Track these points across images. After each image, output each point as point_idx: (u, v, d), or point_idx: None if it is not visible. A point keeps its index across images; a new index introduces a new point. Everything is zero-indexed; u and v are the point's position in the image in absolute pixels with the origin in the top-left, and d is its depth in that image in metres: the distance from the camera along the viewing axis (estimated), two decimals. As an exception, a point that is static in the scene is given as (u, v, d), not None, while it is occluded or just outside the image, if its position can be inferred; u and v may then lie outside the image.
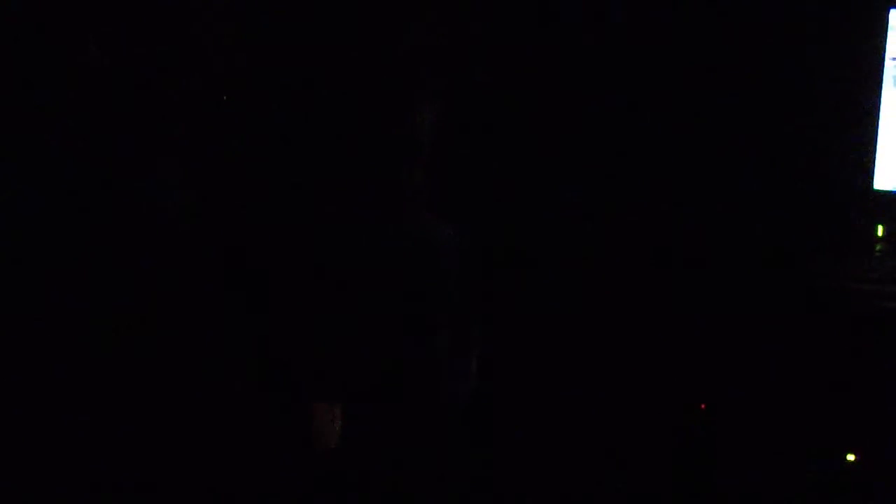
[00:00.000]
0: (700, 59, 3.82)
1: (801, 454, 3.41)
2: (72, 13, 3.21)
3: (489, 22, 3.68)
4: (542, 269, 3.61)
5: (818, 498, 3.39)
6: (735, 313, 3.48)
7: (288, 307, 2.92)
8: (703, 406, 3.51)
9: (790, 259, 3.66)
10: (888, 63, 3.66)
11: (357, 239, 2.83)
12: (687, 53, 3.82)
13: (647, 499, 3.51)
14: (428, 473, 2.92)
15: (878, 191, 3.71)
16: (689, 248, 3.70)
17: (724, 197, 3.81)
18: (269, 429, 2.94)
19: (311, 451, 2.91)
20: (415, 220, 2.86)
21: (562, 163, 3.79)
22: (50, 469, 3.08)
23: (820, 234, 3.77)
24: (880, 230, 3.74)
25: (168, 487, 3.07)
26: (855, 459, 3.41)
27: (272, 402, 2.94)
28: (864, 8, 3.68)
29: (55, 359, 3.13)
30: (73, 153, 3.16)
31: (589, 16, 3.81)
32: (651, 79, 3.83)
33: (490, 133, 3.64)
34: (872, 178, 3.70)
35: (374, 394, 2.83)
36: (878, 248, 3.73)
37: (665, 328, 3.53)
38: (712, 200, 3.80)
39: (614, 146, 3.88)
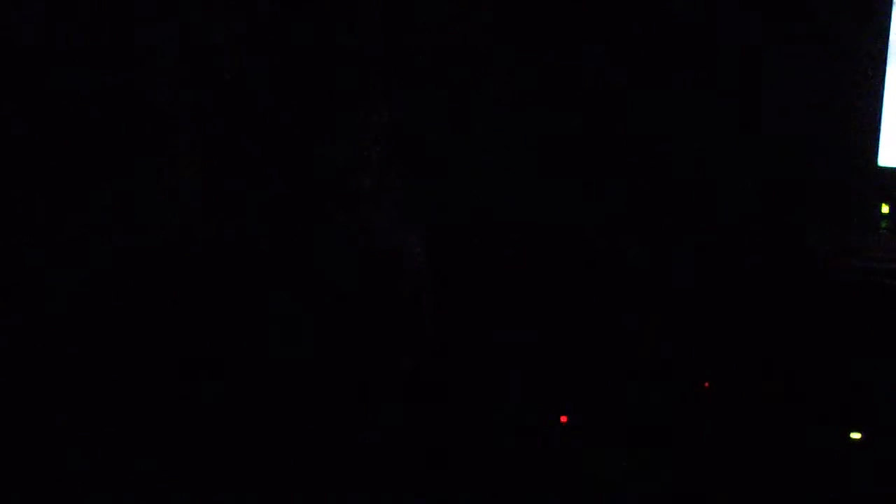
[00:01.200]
0: (704, 37, 3.79)
1: (804, 432, 3.41)
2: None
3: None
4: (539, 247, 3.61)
5: (823, 476, 3.39)
6: (739, 291, 3.48)
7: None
8: (706, 384, 3.52)
9: (795, 236, 3.66)
10: (893, 39, 3.64)
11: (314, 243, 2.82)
12: (692, 32, 3.79)
13: (651, 476, 3.52)
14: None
15: (882, 167, 3.70)
16: (694, 226, 3.70)
17: (728, 175, 3.79)
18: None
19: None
20: (370, 224, 2.84)
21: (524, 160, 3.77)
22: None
23: (824, 212, 3.76)
24: (885, 208, 3.73)
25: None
26: (860, 438, 3.41)
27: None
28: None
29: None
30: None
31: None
32: (651, 54, 3.81)
33: (451, 132, 3.61)
34: (877, 155, 3.69)
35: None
36: (883, 225, 3.72)
37: (670, 306, 3.53)
38: (716, 179, 3.78)
39: (609, 126, 3.87)
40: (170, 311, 3.01)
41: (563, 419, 3.39)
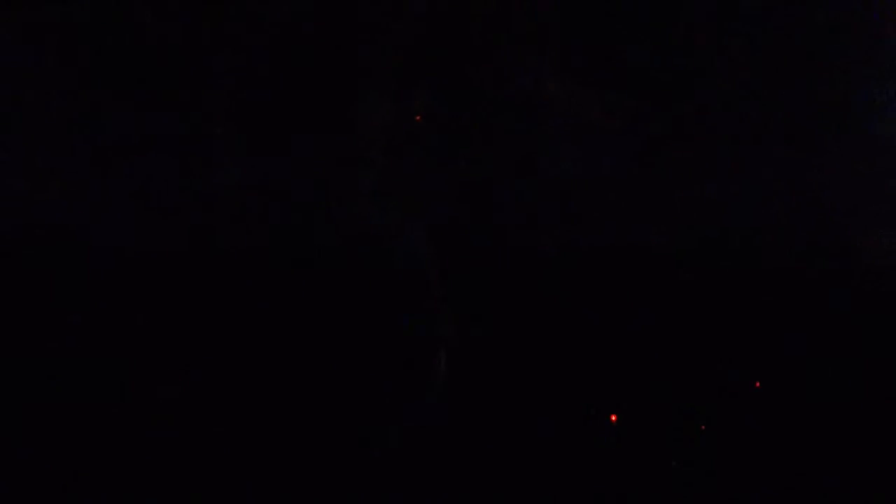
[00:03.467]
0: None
1: (856, 433, 3.28)
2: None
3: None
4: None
5: (874, 476, 3.26)
6: (791, 290, 3.35)
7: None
8: (757, 385, 3.38)
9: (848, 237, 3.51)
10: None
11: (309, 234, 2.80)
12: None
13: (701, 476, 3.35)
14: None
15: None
16: (748, 223, 3.57)
17: (785, 174, 3.67)
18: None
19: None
20: (367, 214, 2.81)
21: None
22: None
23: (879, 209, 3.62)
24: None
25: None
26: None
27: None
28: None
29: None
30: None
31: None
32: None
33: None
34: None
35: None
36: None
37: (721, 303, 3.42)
38: (772, 178, 3.66)
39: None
40: (169, 311, 3.01)
41: (613, 418, 3.27)
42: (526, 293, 3.42)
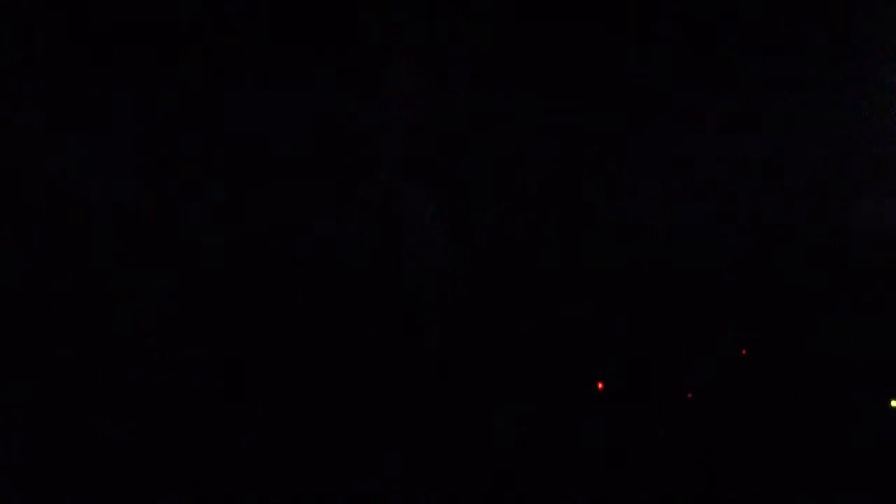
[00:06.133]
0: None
1: (845, 399, 3.27)
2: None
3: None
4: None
5: (863, 442, 3.26)
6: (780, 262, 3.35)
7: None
8: (743, 352, 3.39)
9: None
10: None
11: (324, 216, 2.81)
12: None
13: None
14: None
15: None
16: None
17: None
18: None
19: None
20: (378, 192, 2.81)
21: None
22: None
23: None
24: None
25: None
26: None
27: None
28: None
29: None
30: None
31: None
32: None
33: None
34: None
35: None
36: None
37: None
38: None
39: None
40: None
41: (600, 386, 3.29)
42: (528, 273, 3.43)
